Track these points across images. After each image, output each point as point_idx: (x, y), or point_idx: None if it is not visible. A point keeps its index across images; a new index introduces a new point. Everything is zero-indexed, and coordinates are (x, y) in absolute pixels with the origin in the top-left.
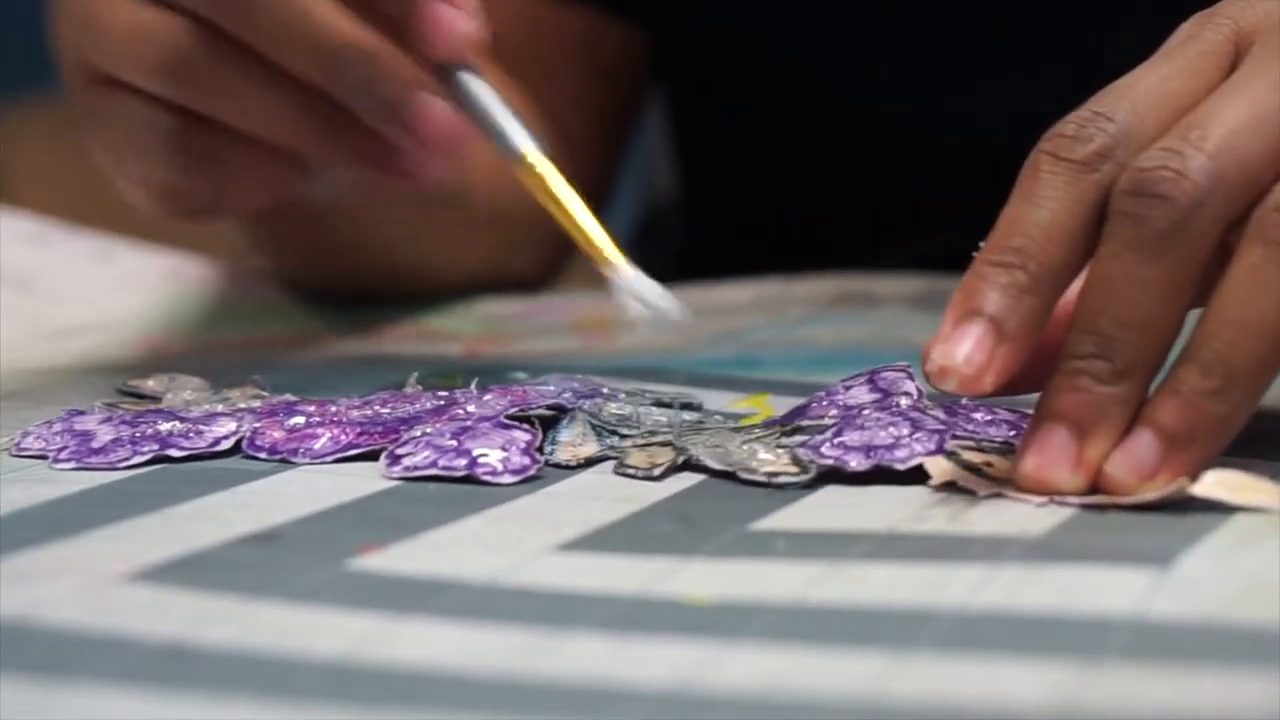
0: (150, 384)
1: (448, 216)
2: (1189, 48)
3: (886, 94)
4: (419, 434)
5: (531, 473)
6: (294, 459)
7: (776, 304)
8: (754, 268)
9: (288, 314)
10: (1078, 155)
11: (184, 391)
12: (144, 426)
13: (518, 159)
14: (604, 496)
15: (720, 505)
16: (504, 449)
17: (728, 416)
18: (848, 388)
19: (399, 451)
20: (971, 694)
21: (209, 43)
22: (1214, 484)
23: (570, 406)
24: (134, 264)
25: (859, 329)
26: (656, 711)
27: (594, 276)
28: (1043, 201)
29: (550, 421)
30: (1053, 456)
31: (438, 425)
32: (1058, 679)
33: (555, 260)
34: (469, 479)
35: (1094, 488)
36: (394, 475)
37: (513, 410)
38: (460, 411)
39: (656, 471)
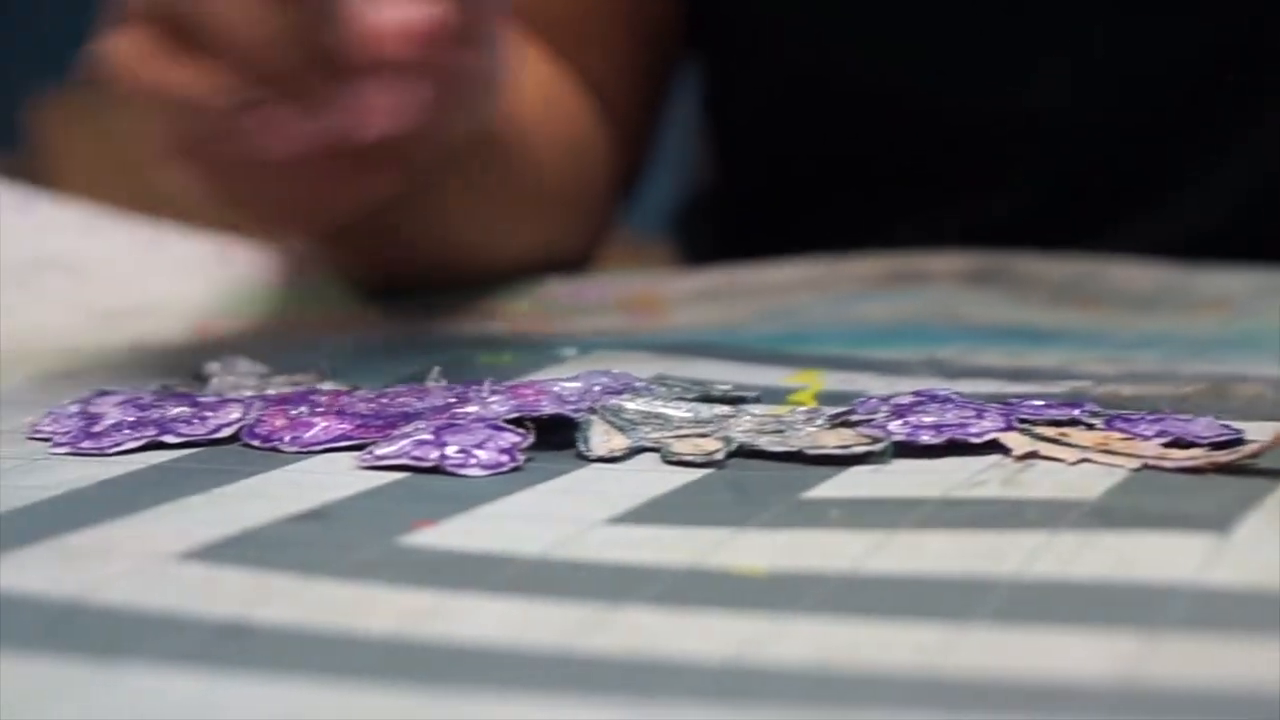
0: (214, 367)
1: (501, 200)
2: None
3: (928, 63)
4: (411, 429)
5: (505, 470)
6: (282, 447)
7: (826, 282)
8: (795, 245)
9: (337, 296)
10: None
11: (234, 376)
12: (153, 410)
13: None
14: (655, 469)
15: (772, 474)
16: (480, 444)
17: (765, 412)
18: (890, 397)
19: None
20: (1030, 665)
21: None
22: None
23: (577, 417)
24: (183, 250)
25: (911, 306)
26: (713, 685)
27: (635, 257)
28: None
29: (573, 424)
30: None
31: (431, 422)
32: (1118, 649)
33: (595, 243)
34: (437, 469)
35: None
36: (366, 464)
37: (513, 415)
38: (461, 411)
39: (718, 456)
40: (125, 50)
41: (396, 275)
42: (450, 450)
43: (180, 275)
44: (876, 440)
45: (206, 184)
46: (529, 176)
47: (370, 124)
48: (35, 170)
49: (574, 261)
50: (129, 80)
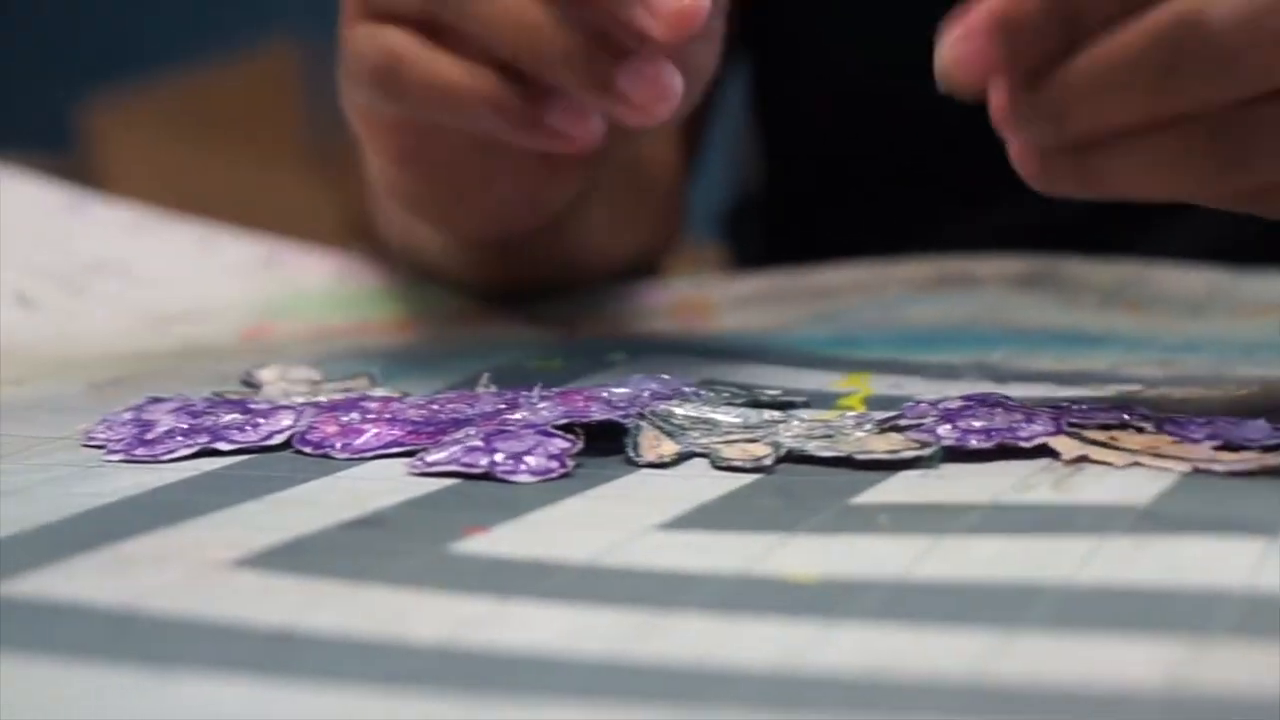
0: (264, 374)
1: (623, 201)
2: None
3: None
4: (461, 435)
5: (554, 476)
6: (334, 453)
7: (875, 285)
8: (843, 247)
9: (389, 300)
10: None
11: (286, 382)
12: (205, 418)
13: None
14: (704, 474)
15: (820, 478)
16: (529, 451)
17: (814, 417)
18: (939, 401)
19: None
20: (1080, 672)
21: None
22: None
23: (627, 423)
24: (235, 252)
25: (961, 309)
26: (762, 692)
27: (685, 260)
28: None
29: (622, 430)
30: None
31: (481, 429)
32: (1168, 656)
33: (672, 244)
34: (488, 476)
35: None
36: (417, 471)
37: (562, 421)
38: (510, 417)
39: (767, 462)
40: (389, 43)
41: (525, 278)
42: (500, 456)
43: (233, 278)
44: (925, 445)
45: (426, 177)
46: (640, 176)
47: (645, 111)
48: (87, 172)
49: (656, 264)
50: (397, 75)
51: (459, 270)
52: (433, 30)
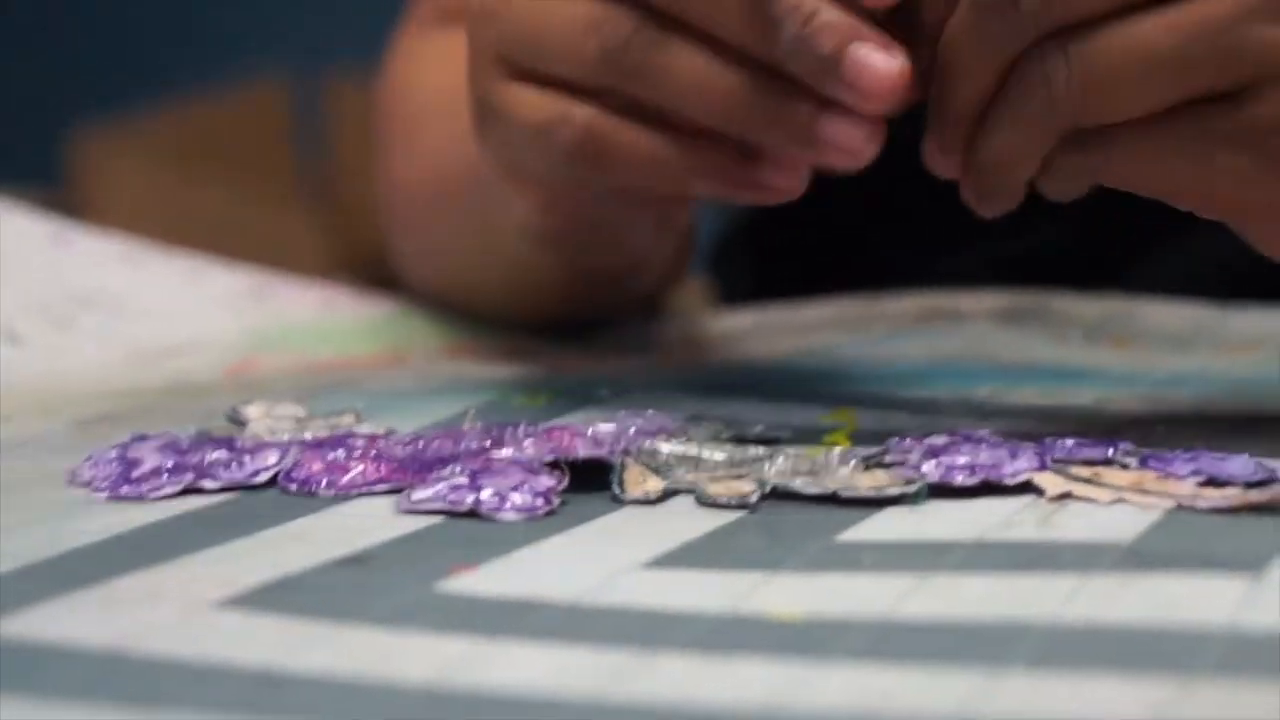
0: (250, 410)
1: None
2: None
3: None
4: (447, 473)
5: (540, 514)
6: (318, 491)
7: (861, 321)
8: (830, 281)
9: (377, 334)
10: None
11: (272, 419)
12: (191, 455)
13: None
14: (689, 511)
15: (804, 516)
16: (515, 488)
17: (799, 454)
18: (924, 437)
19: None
20: (1067, 712)
21: (645, 25)
22: None
23: (612, 460)
24: (223, 284)
25: (946, 345)
26: None
27: (681, 299)
28: None
29: (608, 466)
30: None
31: (467, 466)
32: (1154, 696)
33: (680, 275)
34: (473, 513)
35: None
36: (402, 509)
37: (548, 458)
38: (496, 454)
39: (752, 499)
40: (581, 120)
41: (590, 307)
42: (486, 494)
43: (220, 310)
44: (910, 482)
45: (572, 220)
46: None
47: (856, 156)
48: (74, 204)
49: (665, 296)
50: (600, 154)
51: (529, 299)
52: (611, 97)
